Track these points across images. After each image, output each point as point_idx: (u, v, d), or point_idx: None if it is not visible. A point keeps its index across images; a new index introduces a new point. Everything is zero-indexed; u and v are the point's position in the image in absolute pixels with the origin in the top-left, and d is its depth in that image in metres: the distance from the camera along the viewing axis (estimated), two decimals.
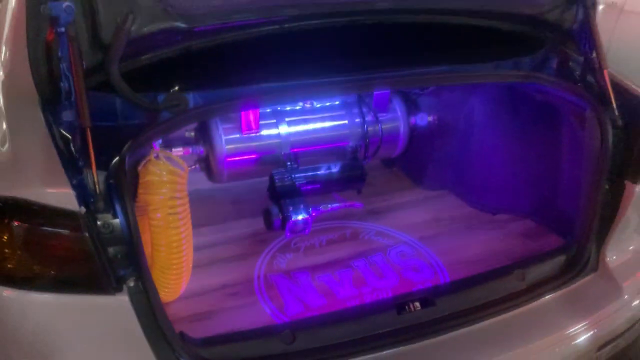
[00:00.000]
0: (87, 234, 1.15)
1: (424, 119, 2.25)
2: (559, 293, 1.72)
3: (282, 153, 2.05)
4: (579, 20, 1.80)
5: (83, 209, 1.16)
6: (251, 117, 1.98)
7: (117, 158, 1.28)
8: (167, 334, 1.30)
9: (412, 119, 2.24)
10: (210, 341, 1.44)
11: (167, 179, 1.63)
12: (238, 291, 1.94)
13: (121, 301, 1.22)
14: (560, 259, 1.78)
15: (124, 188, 1.24)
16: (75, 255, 1.18)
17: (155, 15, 1.34)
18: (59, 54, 1.27)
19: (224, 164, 1.99)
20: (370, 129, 2.14)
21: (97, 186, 1.20)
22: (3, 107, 1.40)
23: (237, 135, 2.00)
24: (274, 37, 1.55)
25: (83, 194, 1.18)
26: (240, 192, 2.49)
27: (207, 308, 1.85)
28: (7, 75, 1.51)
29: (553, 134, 2.08)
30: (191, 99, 1.51)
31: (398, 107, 2.22)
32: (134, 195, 1.55)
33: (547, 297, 1.70)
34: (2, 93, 1.47)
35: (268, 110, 2.06)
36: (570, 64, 1.93)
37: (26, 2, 1.26)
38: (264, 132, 2.03)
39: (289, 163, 2.05)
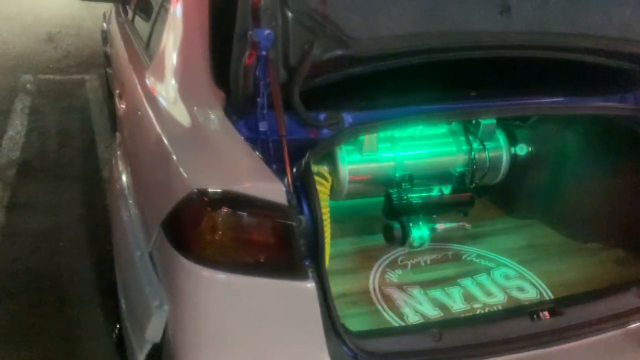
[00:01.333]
0: (294, 224, 1.33)
1: (523, 150, 2.41)
2: None
3: (397, 174, 2.22)
4: None
5: (286, 203, 1.34)
6: (371, 140, 2.17)
7: (303, 163, 1.46)
8: (336, 323, 1.45)
9: (513, 149, 2.40)
10: (365, 334, 1.57)
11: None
12: (357, 300, 2.08)
13: (310, 287, 1.38)
14: None
15: (312, 188, 1.42)
16: (279, 242, 1.35)
17: (332, 45, 1.54)
18: (256, 73, 1.48)
19: (345, 182, 2.16)
20: (477, 156, 2.31)
21: (291, 186, 1.38)
22: (192, 117, 1.62)
23: (358, 156, 2.18)
24: (413, 69, 1.74)
25: None
26: (342, 214, 2.66)
27: None
28: (184, 88, 1.74)
29: None
30: (345, 118, 1.70)
31: (501, 137, 2.38)
32: None
33: None
34: (184, 103, 1.69)
35: (384, 135, 2.24)
36: None
37: (235, 29, 1.47)
38: (382, 154, 2.21)
39: (403, 183, 2.22)
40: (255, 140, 1.52)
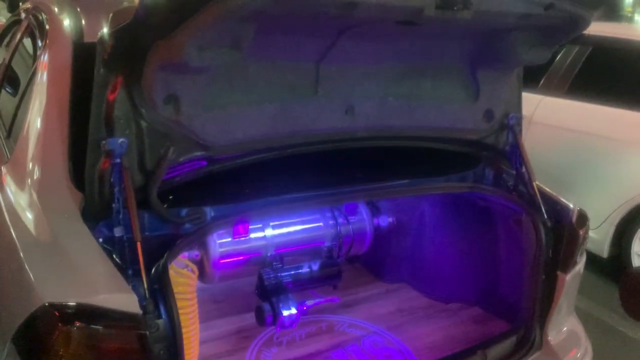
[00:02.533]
0: (148, 333, 1.35)
1: (385, 220, 2.61)
2: None
3: (269, 254, 2.31)
4: (510, 142, 2.27)
5: (141, 311, 1.36)
6: (242, 224, 2.25)
7: (159, 266, 1.50)
8: None
9: (376, 221, 2.60)
10: None
11: (179, 281, 1.84)
12: None
13: None
14: (512, 339, 2.12)
15: (169, 291, 1.46)
16: (133, 351, 1.36)
17: (189, 148, 1.63)
18: (111, 179, 1.52)
19: (217, 266, 2.21)
20: (342, 230, 2.47)
21: (146, 292, 1.42)
22: (47, 222, 1.61)
23: (229, 239, 2.25)
24: (273, 161, 1.87)
25: None
26: (219, 292, 2.69)
27: None
28: (41, 188, 1.73)
29: (493, 233, 2.49)
30: (207, 212, 1.78)
31: (364, 210, 2.57)
32: None
33: None
34: (40, 204, 1.67)
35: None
36: (504, 176, 2.38)
37: (89, 138, 1.51)
38: (252, 235, 2.30)
39: (274, 263, 2.31)
40: (113, 242, 1.54)
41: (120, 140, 1.50)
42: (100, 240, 1.55)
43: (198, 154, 1.65)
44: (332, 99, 1.82)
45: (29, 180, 1.80)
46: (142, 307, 1.39)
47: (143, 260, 1.46)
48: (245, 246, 2.29)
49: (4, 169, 2.03)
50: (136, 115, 1.53)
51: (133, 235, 1.48)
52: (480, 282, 2.59)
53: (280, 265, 2.33)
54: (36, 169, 1.81)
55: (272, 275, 2.28)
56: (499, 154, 2.30)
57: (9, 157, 2.09)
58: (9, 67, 3.05)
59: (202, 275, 2.28)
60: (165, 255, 1.54)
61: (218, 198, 1.81)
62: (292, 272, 2.36)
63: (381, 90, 1.91)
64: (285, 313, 2.15)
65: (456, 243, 2.64)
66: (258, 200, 1.86)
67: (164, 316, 1.44)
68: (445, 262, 2.69)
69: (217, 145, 1.66)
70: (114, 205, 1.52)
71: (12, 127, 2.29)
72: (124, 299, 1.36)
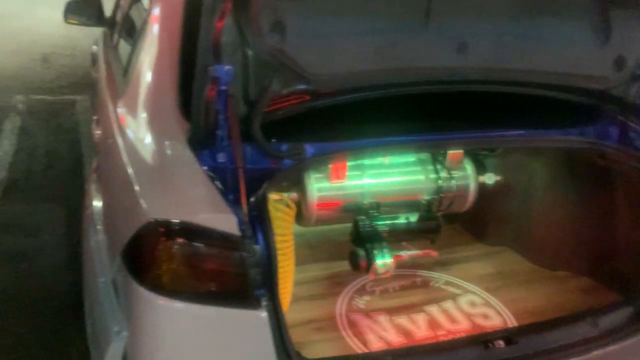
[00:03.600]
0: (245, 254, 1.37)
1: (491, 179, 2.46)
2: (628, 342, 1.86)
3: (365, 202, 2.27)
4: None
5: (240, 233, 1.38)
6: (339, 168, 2.22)
7: (259, 194, 1.51)
8: (290, 352, 1.48)
9: (481, 178, 2.46)
10: None
11: (276, 216, 1.85)
12: (323, 327, 2.12)
13: (261, 317, 1.42)
14: (629, 309, 1.93)
15: (266, 219, 1.46)
16: (231, 272, 1.40)
17: (292, 79, 1.60)
18: (217, 107, 1.54)
19: (314, 209, 2.21)
20: (444, 184, 2.36)
21: (246, 216, 1.43)
22: (156, 147, 1.67)
23: (327, 184, 2.23)
24: (376, 101, 1.80)
25: None
26: (315, 238, 2.70)
27: (296, 340, 2.00)
28: (152, 118, 1.79)
29: (611, 196, 2.27)
30: (307, 149, 1.76)
31: (469, 166, 2.44)
32: None
33: (617, 344, 1.84)
34: (150, 133, 1.74)
35: (352, 164, 2.30)
36: (631, 134, 2.15)
37: (197, 64, 1.53)
38: (350, 182, 2.26)
39: (371, 211, 2.27)
40: (216, 170, 1.57)
41: (227, 67, 1.51)
42: (205, 168, 1.58)
43: (301, 87, 1.63)
44: (443, 34, 1.71)
45: (142, 111, 1.88)
46: (241, 230, 1.41)
47: (236, 188, 1.47)
48: (343, 192, 2.26)
49: (120, 102, 2.14)
50: (243, 42, 1.53)
51: (235, 162, 1.49)
52: (593, 249, 2.39)
53: (377, 214, 2.28)
54: (148, 100, 1.89)
55: (368, 223, 2.23)
56: (627, 108, 2.07)
57: (124, 91, 2.20)
58: (127, 14, 3.21)
59: (299, 217, 2.29)
60: (265, 184, 1.55)
61: (318, 136, 1.78)
62: (389, 222, 2.31)
63: (497, 29, 1.76)
64: (380, 260, 2.11)
65: (569, 206, 2.44)
66: (358, 141, 1.82)
67: (260, 243, 1.45)
68: (555, 226, 2.50)
69: (318, 78, 1.62)
70: (218, 132, 1.54)
71: (129, 65, 2.40)
72: (224, 220, 1.38)
